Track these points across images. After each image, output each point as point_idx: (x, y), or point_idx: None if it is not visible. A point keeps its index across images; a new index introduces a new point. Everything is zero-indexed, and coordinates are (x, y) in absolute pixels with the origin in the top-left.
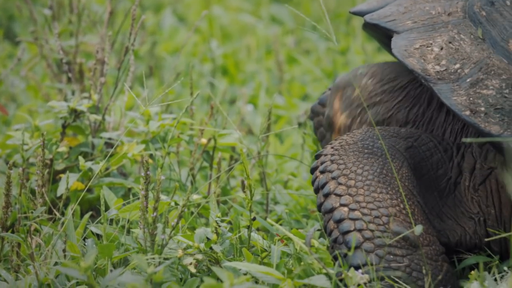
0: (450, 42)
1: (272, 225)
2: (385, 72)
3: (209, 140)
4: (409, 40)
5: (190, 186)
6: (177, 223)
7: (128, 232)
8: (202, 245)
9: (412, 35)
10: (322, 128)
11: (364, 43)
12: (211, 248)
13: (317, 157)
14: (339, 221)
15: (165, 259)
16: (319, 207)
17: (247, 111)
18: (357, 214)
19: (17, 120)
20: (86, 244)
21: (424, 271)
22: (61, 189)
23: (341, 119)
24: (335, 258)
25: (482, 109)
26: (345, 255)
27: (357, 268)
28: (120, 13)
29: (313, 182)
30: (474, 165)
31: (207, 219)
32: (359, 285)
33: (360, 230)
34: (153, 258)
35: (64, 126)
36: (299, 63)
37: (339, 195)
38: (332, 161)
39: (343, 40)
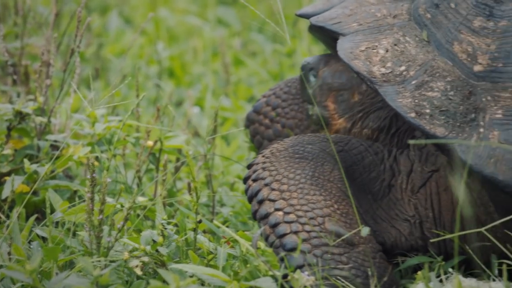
0: (395, 45)
1: (218, 227)
2: None
3: (155, 142)
4: (354, 43)
5: (136, 188)
6: (123, 225)
7: (74, 234)
8: (148, 248)
9: (357, 38)
10: (259, 136)
11: (310, 45)
12: (157, 250)
13: (249, 167)
14: (274, 226)
15: (111, 261)
16: (254, 214)
17: (194, 113)
18: (292, 217)
19: None
20: (31, 247)
21: (363, 269)
22: (6, 192)
23: (339, 122)
24: (281, 260)
25: (428, 111)
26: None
27: (296, 269)
28: (66, 15)
29: (246, 191)
30: (411, 168)
31: (153, 221)
32: (305, 287)
33: (296, 232)
34: (99, 261)
35: (9, 129)
36: (246, 65)
37: (273, 200)
38: (263, 169)
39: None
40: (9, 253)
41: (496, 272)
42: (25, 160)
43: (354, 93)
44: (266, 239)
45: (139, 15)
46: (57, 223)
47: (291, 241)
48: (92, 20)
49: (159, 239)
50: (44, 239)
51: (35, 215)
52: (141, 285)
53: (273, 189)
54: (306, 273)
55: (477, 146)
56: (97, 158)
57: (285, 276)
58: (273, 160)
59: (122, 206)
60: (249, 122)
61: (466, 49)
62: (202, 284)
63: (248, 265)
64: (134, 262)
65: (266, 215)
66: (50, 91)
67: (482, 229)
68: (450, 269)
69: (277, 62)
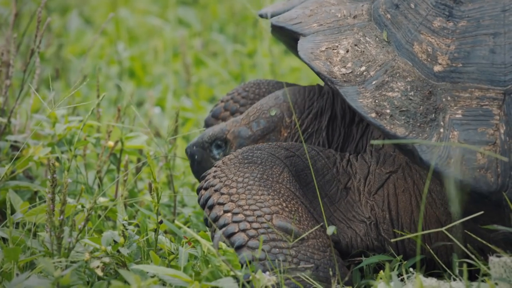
0: (355, 45)
1: (179, 227)
2: (300, 103)
3: (116, 142)
4: (315, 43)
5: (97, 189)
6: (84, 226)
7: (35, 235)
8: (109, 248)
9: (318, 38)
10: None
11: (271, 45)
12: (118, 251)
13: (202, 178)
14: (224, 226)
15: (72, 262)
16: (206, 221)
17: (155, 114)
18: (240, 217)
19: None
20: None
21: (312, 261)
22: None
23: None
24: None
25: (388, 111)
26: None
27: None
28: (26, 15)
29: (199, 201)
30: (368, 170)
31: (114, 222)
32: (266, 287)
33: (244, 230)
34: (60, 262)
35: None
36: (207, 65)
37: (222, 204)
38: (214, 177)
39: (250, 42)
40: None
41: (457, 271)
42: None
43: (281, 130)
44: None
45: (100, 16)
46: (17, 223)
47: (239, 239)
48: (52, 21)
49: (120, 239)
50: (4, 240)
51: None
52: (102, 285)
53: (222, 194)
54: (268, 273)
55: (437, 147)
56: (57, 159)
57: (247, 276)
58: (223, 168)
59: (83, 206)
60: (207, 126)
61: (426, 50)
62: (164, 285)
63: (209, 265)
64: (95, 263)
65: (216, 218)
66: (10, 92)
67: (443, 229)
68: (411, 269)
69: (238, 62)
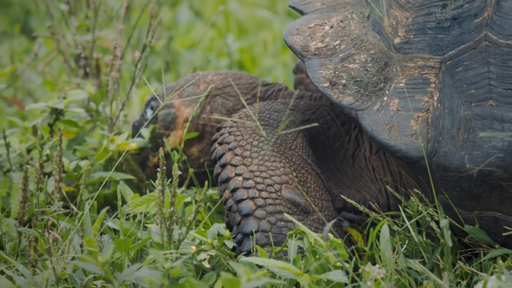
0: (341, 21)
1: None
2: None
3: None
4: (307, 20)
5: (206, 181)
6: (194, 218)
7: (145, 227)
8: (215, 242)
9: (313, 16)
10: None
11: None
12: (224, 244)
13: (218, 129)
14: (233, 190)
15: (182, 254)
16: (216, 177)
17: None
18: (250, 183)
19: (33, 115)
20: (103, 239)
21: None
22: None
23: (186, 111)
24: (228, 225)
25: (343, 81)
26: (239, 223)
27: (250, 234)
28: (137, 8)
29: (211, 154)
30: None
31: (222, 214)
32: (375, 280)
33: (253, 198)
34: (171, 253)
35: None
36: None
37: (235, 165)
38: (230, 133)
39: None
40: (81, 245)
41: None
42: (65, 160)
43: (199, 85)
44: (225, 203)
45: (209, 8)
46: (127, 215)
47: (247, 207)
48: (163, 14)
49: (226, 233)
50: (115, 231)
51: (107, 207)
52: (212, 277)
53: (236, 155)
54: (377, 266)
55: (376, 114)
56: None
57: (356, 269)
58: (239, 125)
59: (193, 198)
60: (298, 70)
61: (392, 23)
62: (273, 277)
63: (317, 257)
64: (202, 256)
65: (227, 179)
66: (120, 84)
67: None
68: None
69: None
